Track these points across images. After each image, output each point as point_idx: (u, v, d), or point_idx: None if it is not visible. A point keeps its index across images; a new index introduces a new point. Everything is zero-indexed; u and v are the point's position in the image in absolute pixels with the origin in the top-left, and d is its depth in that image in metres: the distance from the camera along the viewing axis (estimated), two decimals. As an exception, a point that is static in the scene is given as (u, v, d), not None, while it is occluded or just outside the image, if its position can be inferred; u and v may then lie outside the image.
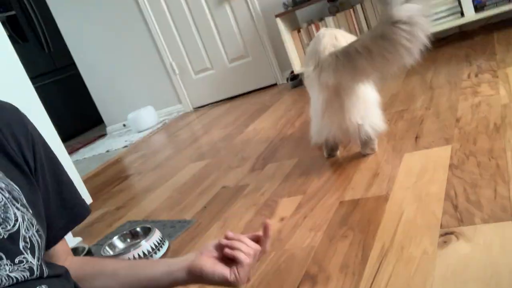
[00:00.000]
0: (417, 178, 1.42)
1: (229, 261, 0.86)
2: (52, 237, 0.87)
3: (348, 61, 1.51)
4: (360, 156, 1.76)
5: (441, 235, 1.10)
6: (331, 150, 1.85)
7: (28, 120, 0.85)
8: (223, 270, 0.85)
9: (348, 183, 1.57)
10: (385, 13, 1.43)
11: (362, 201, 1.41)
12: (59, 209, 0.88)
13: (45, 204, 0.83)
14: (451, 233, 1.09)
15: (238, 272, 0.85)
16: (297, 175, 1.81)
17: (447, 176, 1.36)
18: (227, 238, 0.89)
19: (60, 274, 0.79)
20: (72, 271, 0.84)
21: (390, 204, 1.33)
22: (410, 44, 1.40)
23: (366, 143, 1.73)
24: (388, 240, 1.15)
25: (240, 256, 0.85)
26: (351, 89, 1.62)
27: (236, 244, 0.87)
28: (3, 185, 0.71)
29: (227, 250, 0.86)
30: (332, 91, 1.63)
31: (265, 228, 0.90)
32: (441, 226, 1.13)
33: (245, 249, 0.86)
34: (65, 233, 0.91)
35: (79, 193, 0.94)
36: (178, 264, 0.89)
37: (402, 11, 1.38)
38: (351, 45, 1.52)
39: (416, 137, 1.73)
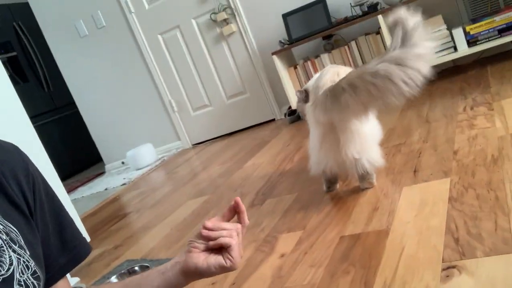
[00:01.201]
0: (417, 212, 1.41)
1: (217, 249, 0.88)
2: (53, 277, 0.86)
3: (335, 99, 1.53)
4: (359, 190, 1.75)
5: (443, 269, 1.08)
6: (330, 183, 1.85)
7: (29, 159, 0.85)
8: (216, 260, 0.87)
9: (348, 217, 1.56)
10: (393, 52, 1.43)
11: (363, 236, 1.40)
12: (59, 249, 0.87)
13: (45, 244, 0.83)
14: (453, 267, 1.08)
15: (230, 255, 0.86)
16: (297, 210, 1.80)
17: (447, 209, 1.36)
18: (206, 228, 0.88)
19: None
20: None
21: (391, 238, 1.32)
22: (405, 86, 1.41)
23: (364, 177, 1.73)
24: (390, 276, 1.14)
25: (225, 240, 0.86)
26: (345, 124, 1.63)
27: (215, 234, 0.88)
28: (1, 227, 0.71)
29: (211, 243, 0.88)
30: (327, 126, 1.65)
31: (237, 204, 0.91)
32: (443, 260, 1.12)
33: (226, 233, 0.87)
34: (66, 273, 0.90)
35: (79, 232, 0.93)
36: (171, 271, 0.89)
37: (409, 53, 1.39)
38: (338, 82, 1.54)
39: (415, 171, 1.73)
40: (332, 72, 1.71)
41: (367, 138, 1.68)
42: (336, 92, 1.53)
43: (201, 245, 0.89)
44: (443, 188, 1.50)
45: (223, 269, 0.87)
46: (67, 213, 0.91)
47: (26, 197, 0.79)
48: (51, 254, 0.84)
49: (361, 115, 1.58)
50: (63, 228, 0.89)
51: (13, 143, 0.86)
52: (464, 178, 1.51)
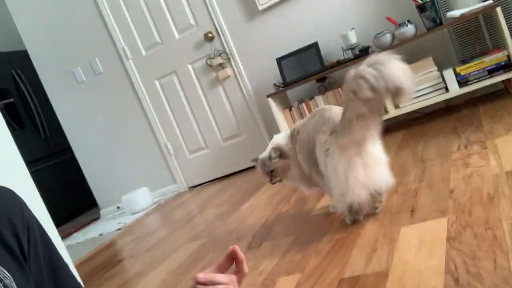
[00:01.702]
0: (416, 252, 1.40)
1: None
2: None
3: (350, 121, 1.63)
4: (357, 231, 1.74)
5: (445, 311, 1.06)
6: (356, 214, 1.80)
7: (25, 204, 0.85)
8: None
9: (347, 259, 1.54)
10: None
11: (363, 278, 1.38)
12: None
13: None
14: (455, 308, 1.06)
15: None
16: (295, 252, 1.78)
17: (446, 248, 1.34)
18: (198, 283, 0.82)
19: None
20: None
21: (391, 279, 1.30)
22: (374, 81, 1.51)
23: (376, 198, 1.80)
24: (390, 318, 1.12)
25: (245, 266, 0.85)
26: (367, 147, 1.69)
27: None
28: None
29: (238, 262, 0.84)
30: (353, 151, 1.67)
31: (234, 252, 0.87)
32: (444, 301, 1.10)
33: (224, 287, 0.81)
34: None
35: (74, 277, 0.92)
36: None
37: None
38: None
39: (412, 210, 1.73)
40: (333, 107, 1.84)
41: (383, 159, 1.75)
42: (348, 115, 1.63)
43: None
44: (440, 227, 1.49)
45: None
46: (61, 258, 0.90)
47: (20, 242, 0.79)
48: None
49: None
50: (57, 273, 0.88)
51: (9, 188, 0.86)
52: (461, 217, 1.50)
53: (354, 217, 1.82)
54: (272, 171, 1.97)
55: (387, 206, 1.86)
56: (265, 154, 2.01)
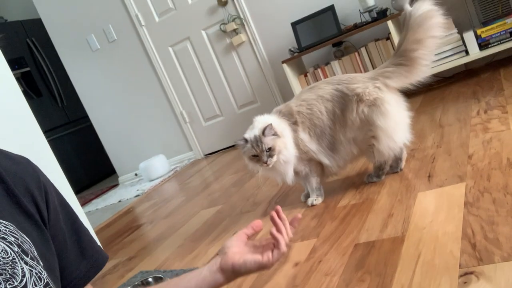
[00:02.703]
0: (433, 218, 1.39)
1: (254, 248, 0.94)
2: (76, 285, 0.86)
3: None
4: (373, 197, 1.73)
5: (461, 276, 1.06)
6: (384, 168, 1.87)
7: (40, 170, 0.86)
8: (254, 257, 0.91)
9: (362, 225, 1.54)
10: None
11: (378, 243, 1.38)
12: (78, 256, 0.87)
13: (63, 253, 0.83)
14: (471, 273, 1.06)
15: (273, 255, 0.91)
16: (310, 218, 1.79)
17: (463, 214, 1.33)
18: (277, 212, 0.94)
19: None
20: None
21: (407, 245, 1.30)
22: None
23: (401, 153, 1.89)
24: (406, 283, 1.12)
25: (282, 244, 0.91)
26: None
27: (282, 229, 0.93)
28: (13, 239, 0.71)
29: (274, 232, 0.92)
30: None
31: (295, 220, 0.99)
32: (460, 266, 1.10)
33: (285, 238, 0.93)
34: (88, 280, 0.90)
35: (95, 241, 0.94)
36: (208, 270, 0.93)
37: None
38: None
39: (429, 176, 1.71)
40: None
41: None
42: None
43: (239, 247, 0.94)
44: (458, 193, 1.47)
45: (259, 266, 0.90)
46: (81, 222, 0.91)
47: (39, 207, 0.80)
48: (70, 262, 0.85)
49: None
50: (80, 236, 0.89)
51: (27, 157, 0.87)
52: (479, 183, 1.48)
53: (382, 172, 1.86)
54: (269, 149, 1.78)
55: (404, 172, 1.84)
56: (251, 133, 1.82)
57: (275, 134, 1.80)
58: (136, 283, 1.70)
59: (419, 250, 1.24)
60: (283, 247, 0.92)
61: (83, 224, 0.92)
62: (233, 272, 0.91)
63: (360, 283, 1.20)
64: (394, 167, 1.89)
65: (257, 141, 1.78)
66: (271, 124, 1.79)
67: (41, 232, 0.78)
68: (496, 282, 1.00)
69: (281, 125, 1.85)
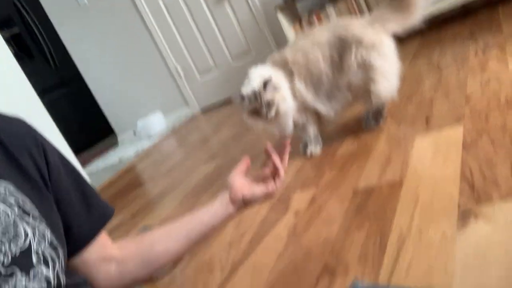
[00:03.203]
0: (431, 161, 1.39)
1: (257, 181, 1.01)
2: (82, 241, 0.87)
3: None
4: (371, 143, 1.73)
5: (460, 216, 1.07)
6: (383, 111, 1.88)
7: (36, 129, 0.85)
8: (260, 188, 0.99)
9: (361, 172, 1.55)
10: None
11: (377, 189, 1.39)
12: (84, 211, 0.88)
13: (68, 209, 0.83)
14: (470, 213, 1.07)
15: (276, 183, 0.99)
16: (309, 168, 1.80)
17: (461, 156, 1.33)
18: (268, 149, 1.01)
19: (79, 283, 0.79)
20: (128, 253, 0.93)
21: (405, 189, 1.31)
22: None
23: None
24: (405, 226, 1.13)
25: (282, 171, 1.00)
26: None
27: (277, 159, 1.00)
28: (13, 201, 0.71)
29: (276, 160, 0.99)
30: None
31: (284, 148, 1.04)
32: (459, 207, 1.11)
33: (283, 165, 1.01)
34: (95, 234, 0.91)
35: (100, 195, 0.94)
36: (219, 203, 0.99)
37: None
38: None
39: (427, 119, 1.70)
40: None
41: None
42: None
43: (243, 181, 1.01)
44: (456, 135, 1.47)
45: (266, 195, 0.99)
46: (84, 177, 0.91)
47: (38, 166, 0.79)
48: (78, 217, 0.85)
49: None
50: (84, 190, 0.89)
51: (18, 116, 0.86)
52: (477, 124, 1.48)
53: (381, 116, 1.85)
54: (268, 103, 1.75)
55: (402, 117, 1.83)
56: (248, 87, 1.78)
57: (274, 87, 1.77)
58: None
59: (417, 194, 1.25)
60: (282, 174, 1.00)
61: (85, 179, 0.92)
62: (243, 202, 0.99)
63: (359, 228, 1.22)
64: (374, 122, 1.87)
65: (256, 96, 1.75)
66: (270, 77, 1.75)
67: (40, 192, 0.78)
68: (495, 221, 1.01)
69: (277, 77, 1.82)
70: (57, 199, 0.82)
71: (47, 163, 0.81)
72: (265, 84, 1.74)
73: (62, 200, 0.83)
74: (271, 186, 0.99)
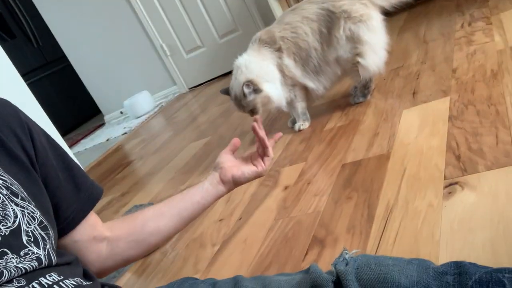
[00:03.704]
0: (417, 133, 1.41)
1: (246, 161, 1.04)
2: (72, 221, 0.87)
3: None
4: (359, 117, 1.74)
5: (446, 187, 1.09)
6: (371, 84, 1.88)
7: (20, 110, 0.84)
8: (249, 167, 1.01)
9: (348, 145, 1.56)
10: None
11: (364, 162, 1.40)
12: (73, 191, 0.87)
13: (57, 189, 0.83)
14: (456, 183, 1.09)
15: (265, 162, 1.01)
16: (298, 143, 1.80)
17: (447, 127, 1.35)
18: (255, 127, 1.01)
19: (70, 262, 0.79)
20: (120, 233, 0.93)
21: (392, 161, 1.32)
22: None
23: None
24: (392, 197, 1.15)
25: (270, 150, 1.01)
26: None
27: (265, 137, 1.01)
28: (0, 182, 0.70)
29: (265, 142, 1.00)
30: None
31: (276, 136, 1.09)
32: (445, 178, 1.13)
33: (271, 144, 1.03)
34: (85, 214, 0.91)
35: (88, 175, 0.94)
36: (209, 183, 1.01)
37: None
38: None
39: (414, 93, 1.71)
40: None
41: None
42: None
43: (233, 161, 1.03)
44: (442, 107, 1.48)
45: (255, 174, 1.01)
46: (71, 157, 0.91)
47: (24, 146, 0.78)
48: (66, 197, 0.85)
49: None
50: (72, 170, 0.89)
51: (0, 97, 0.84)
52: (463, 96, 1.49)
53: (368, 91, 1.86)
54: (252, 110, 1.80)
55: (389, 90, 1.84)
56: (232, 88, 1.83)
57: (255, 90, 1.77)
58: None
59: (404, 166, 1.27)
60: (271, 153, 1.02)
61: (73, 160, 0.91)
62: (233, 182, 1.01)
63: (348, 200, 1.24)
64: (361, 95, 1.88)
65: (239, 101, 1.79)
66: (252, 81, 1.76)
67: (28, 173, 0.77)
68: (480, 190, 1.03)
69: (264, 66, 1.81)
70: (45, 180, 0.82)
71: (33, 143, 0.80)
72: (243, 90, 1.76)
73: (50, 180, 0.83)
74: (260, 165, 1.01)
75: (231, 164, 1.02)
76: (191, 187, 1.00)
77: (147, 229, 0.95)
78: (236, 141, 1.07)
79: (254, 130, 1.00)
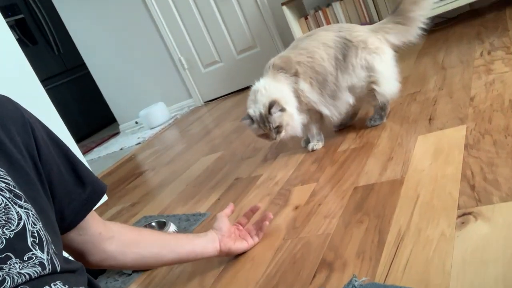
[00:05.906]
0: (432, 160, 1.39)
1: (240, 232, 1.35)
2: (79, 213, 0.87)
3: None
4: (373, 141, 1.73)
5: (459, 216, 1.07)
6: (386, 108, 1.88)
7: (23, 108, 0.84)
8: (242, 244, 1.31)
9: (361, 168, 1.55)
10: None
11: (377, 186, 1.39)
12: (76, 186, 0.88)
13: (60, 185, 0.83)
14: (469, 213, 1.07)
15: (258, 237, 1.35)
16: (310, 163, 1.80)
17: (463, 156, 1.33)
18: (252, 211, 1.43)
19: (75, 270, 0.79)
20: (119, 235, 1.04)
21: (406, 187, 1.31)
22: None
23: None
24: (404, 224, 1.13)
25: (264, 227, 1.36)
26: None
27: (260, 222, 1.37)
28: (3, 185, 0.70)
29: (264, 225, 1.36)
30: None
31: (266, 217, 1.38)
32: (459, 207, 1.11)
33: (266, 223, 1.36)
34: (89, 210, 0.91)
35: (91, 171, 0.95)
36: (213, 248, 1.25)
37: None
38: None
39: (430, 119, 1.70)
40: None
41: None
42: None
43: (232, 233, 1.32)
44: (459, 135, 1.47)
45: (248, 248, 1.32)
46: (74, 153, 0.91)
47: (27, 146, 0.78)
48: (70, 191, 0.85)
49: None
50: (75, 166, 0.89)
51: (25, 107, 0.85)
52: (480, 125, 1.47)
53: (385, 113, 1.86)
54: (277, 127, 1.78)
55: (405, 115, 1.83)
56: (255, 110, 1.80)
57: (281, 109, 1.77)
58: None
59: (417, 192, 1.25)
60: (264, 229, 1.35)
61: (76, 156, 0.91)
62: (227, 253, 1.28)
63: (358, 224, 1.22)
64: (378, 118, 1.88)
65: (264, 120, 1.78)
66: (277, 101, 1.76)
67: (27, 177, 0.77)
68: (494, 222, 1.01)
69: (282, 91, 1.81)
70: (49, 176, 0.81)
71: (35, 141, 0.80)
72: (270, 107, 1.75)
73: (54, 176, 0.83)
74: (251, 242, 1.32)
75: (229, 233, 1.28)
76: (196, 237, 1.25)
77: (150, 250, 1.10)
78: (232, 206, 1.39)
79: (257, 209, 1.41)
